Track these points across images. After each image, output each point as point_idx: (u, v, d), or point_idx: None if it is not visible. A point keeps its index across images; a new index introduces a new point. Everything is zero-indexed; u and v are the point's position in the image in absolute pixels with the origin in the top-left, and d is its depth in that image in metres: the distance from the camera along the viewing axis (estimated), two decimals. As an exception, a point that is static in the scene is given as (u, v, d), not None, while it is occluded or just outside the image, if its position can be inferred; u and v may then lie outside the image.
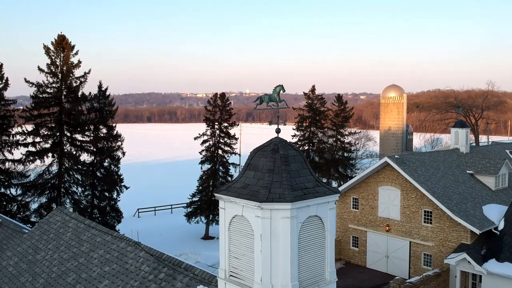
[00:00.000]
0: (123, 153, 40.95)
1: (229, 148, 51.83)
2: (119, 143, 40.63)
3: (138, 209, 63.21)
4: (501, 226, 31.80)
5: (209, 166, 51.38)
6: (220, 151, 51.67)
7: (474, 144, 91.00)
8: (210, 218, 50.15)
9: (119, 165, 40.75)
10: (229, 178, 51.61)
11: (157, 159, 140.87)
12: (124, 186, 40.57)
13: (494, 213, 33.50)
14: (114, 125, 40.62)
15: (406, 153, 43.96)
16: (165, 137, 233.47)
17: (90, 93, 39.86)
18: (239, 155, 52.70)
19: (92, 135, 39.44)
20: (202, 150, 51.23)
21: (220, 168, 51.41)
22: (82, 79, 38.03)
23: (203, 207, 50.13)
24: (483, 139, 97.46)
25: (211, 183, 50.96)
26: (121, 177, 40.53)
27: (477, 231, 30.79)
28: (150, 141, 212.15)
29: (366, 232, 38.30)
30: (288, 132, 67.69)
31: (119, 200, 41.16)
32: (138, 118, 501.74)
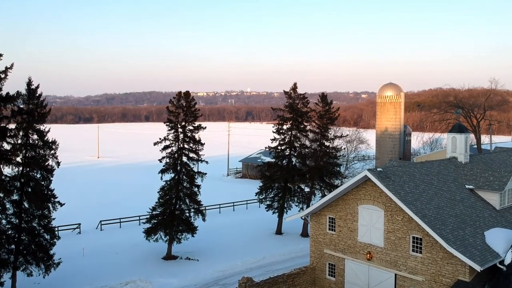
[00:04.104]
0: (58, 163, 34.39)
1: (194, 155, 45.31)
2: (53, 151, 34.16)
3: (100, 221, 56.77)
4: (508, 259, 25.37)
5: (172, 175, 44.90)
6: (184, 158, 45.16)
7: (475, 146, 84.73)
8: (173, 236, 43.73)
9: (51, 178, 34.22)
10: (195, 189, 45.16)
11: (138, 161, 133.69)
12: (58, 202, 34.07)
13: (499, 240, 26.98)
14: (47, 129, 34.13)
15: (395, 162, 37.56)
16: (155, 137, 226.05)
17: (18, 91, 33.52)
18: (207, 162, 46.19)
19: (19, 142, 33.06)
20: (163, 157, 44.69)
21: (184, 177, 44.89)
22: (2, 75, 31.59)
23: (165, 222, 43.65)
24: (485, 141, 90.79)
25: (174, 195, 44.50)
26: (53, 192, 33.98)
27: (478, 268, 24.27)
28: (137, 141, 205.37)
29: (344, 260, 31.77)
30: (269, 135, 61.23)
31: (54, 219, 34.72)
32: (136, 118, 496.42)
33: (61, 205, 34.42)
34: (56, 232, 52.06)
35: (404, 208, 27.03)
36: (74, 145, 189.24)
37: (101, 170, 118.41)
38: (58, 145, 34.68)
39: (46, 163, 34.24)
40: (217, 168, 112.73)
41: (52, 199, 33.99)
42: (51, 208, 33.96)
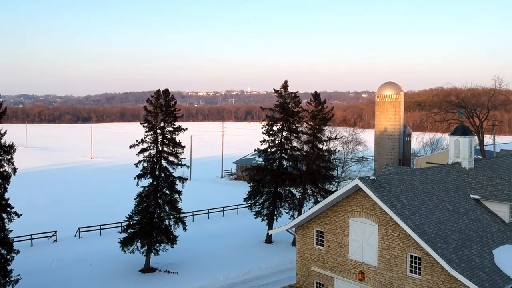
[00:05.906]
0: (14, 170, 30.85)
1: (175, 159, 41.70)
2: (9, 156, 30.61)
3: (79, 228, 53.18)
4: (521, 284, 21.70)
5: (149, 180, 41.32)
6: (164, 162, 41.56)
7: (478, 147, 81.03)
8: (151, 247, 40.17)
9: (7, 185, 30.65)
10: (176, 196, 41.58)
11: (131, 162, 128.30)
12: (15, 213, 30.52)
13: (511, 261, 23.35)
14: (2, 131, 30.59)
15: (391, 168, 34.01)
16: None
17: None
18: (188, 166, 42.60)
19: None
20: (140, 161, 41.10)
21: (164, 183, 41.28)
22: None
23: (142, 232, 40.06)
24: (488, 142, 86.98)
25: (152, 202, 40.92)
26: (8, 202, 30.40)
27: (487, 296, 20.69)
28: (133, 141, 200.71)
29: (333, 279, 28.21)
30: (259, 136, 57.49)
31: (11, 231, 31.16)
32: (134, 117, 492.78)
33: (18, 216, 30.83)
34: (30, 241, 49.21)
35: (401, 224, 23.46)
36: (69, 145, 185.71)
37: (93, 171, 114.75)
38: (15, 149, 31.13)
39: (2, 169, 30.68)
40: (213, 169, 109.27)
41: (7, 208, 30.43)
42: (6, 220, 30.33)
